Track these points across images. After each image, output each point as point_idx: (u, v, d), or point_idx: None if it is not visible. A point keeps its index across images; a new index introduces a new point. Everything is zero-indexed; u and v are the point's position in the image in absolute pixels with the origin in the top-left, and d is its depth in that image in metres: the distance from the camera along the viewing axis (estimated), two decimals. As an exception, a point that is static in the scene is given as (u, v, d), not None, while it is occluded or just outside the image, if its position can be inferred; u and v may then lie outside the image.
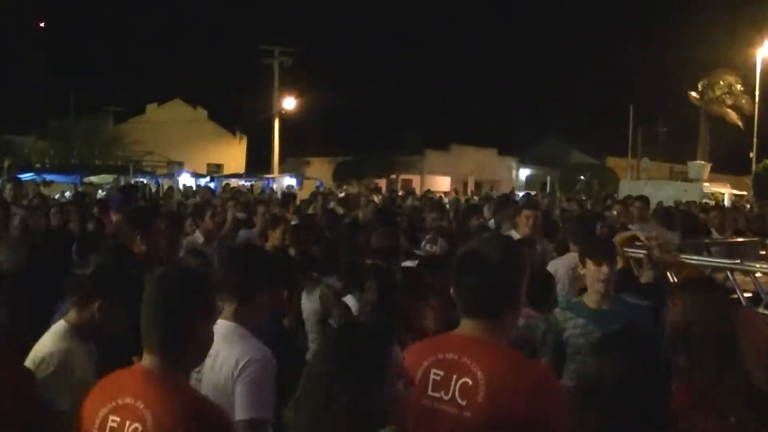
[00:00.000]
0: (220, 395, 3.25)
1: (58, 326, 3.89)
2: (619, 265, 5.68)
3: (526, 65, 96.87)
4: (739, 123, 46.85)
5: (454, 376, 2.77)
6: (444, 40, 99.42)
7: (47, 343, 3.81)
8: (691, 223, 8.90)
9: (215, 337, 3.07)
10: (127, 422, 2.68)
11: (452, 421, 2.74)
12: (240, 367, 3.33)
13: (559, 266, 6.83)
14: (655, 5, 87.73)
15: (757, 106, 43.28)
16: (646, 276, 5.72)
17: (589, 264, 4.90)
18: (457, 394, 2.76)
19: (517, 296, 2.92)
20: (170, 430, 2.63)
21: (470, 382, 2.73)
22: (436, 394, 2.80)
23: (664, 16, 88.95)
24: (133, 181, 31.19)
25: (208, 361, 3.23)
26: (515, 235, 8.05)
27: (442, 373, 2.81)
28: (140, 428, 2.65)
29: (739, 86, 46.87)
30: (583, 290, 5.19)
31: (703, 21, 59.28)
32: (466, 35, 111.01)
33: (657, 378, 2.57)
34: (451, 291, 3.07)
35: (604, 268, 4.83)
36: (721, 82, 47.49)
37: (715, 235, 10.51)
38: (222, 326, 3.39)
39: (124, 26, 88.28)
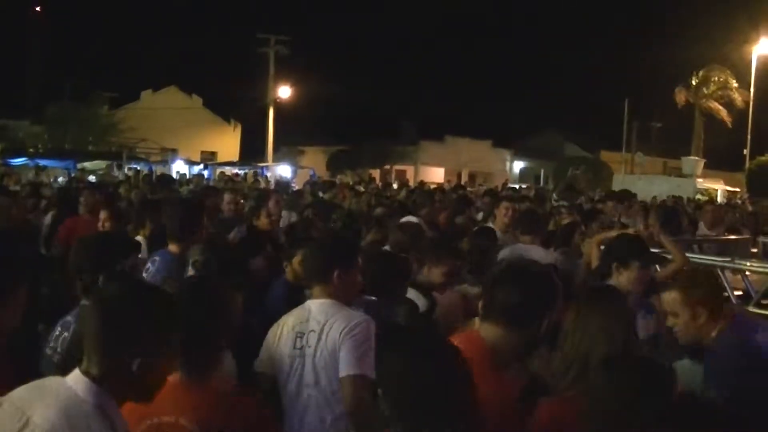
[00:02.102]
0: (330, 359, 3.64)
1: None
2: (595, 263, 5.87)
3: (521, 57, 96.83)
4: (728, 120, 46.90)
5: None
6: (440, 31, 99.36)
7: None
8: (668, 215, 8.95)
9: (319, 311, 3.75)
10: None
11: None
12: (346, 329, 3.66)
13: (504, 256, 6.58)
14: (651, 0, 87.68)
15: (751, 102, 43.35)
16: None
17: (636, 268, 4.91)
18: None
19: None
20: None
21: None
22: None
23: (660, 10, 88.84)
24: (126, 168, 31.19)
25: (314, 333, 3.70)
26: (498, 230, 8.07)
27: None
28: None
29: (733, 82, 46.91)
30: None
31: (699, 17, 59.40)
32: (462, 27, 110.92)
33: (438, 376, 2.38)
34: None
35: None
36: (716, 79, 47.52)
37: (704, 230, 10.55)
38: (322, 303, 3.82)
39: (121, 13, 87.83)
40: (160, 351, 2.35)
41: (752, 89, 43.45)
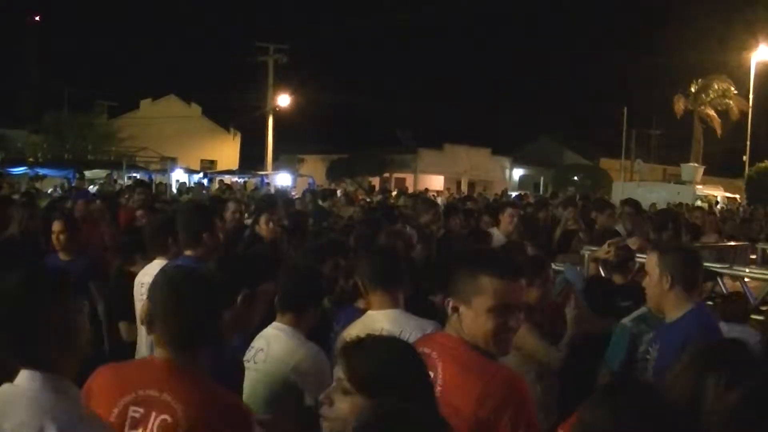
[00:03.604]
0: None
1: None
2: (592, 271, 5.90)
3: (520, 65, 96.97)
4: (724, 129, 46.98)
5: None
6: (438, 39, 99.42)
7: None
8: (664, 221, 8.95)
9: (384, 321, 3.79)
10: (153, 413, 2.69)
11: None
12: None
13: None
14: (650, 8, 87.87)
15: (750, 109, 43.41)
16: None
17: None
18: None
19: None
20: (199, 422, 2.67)
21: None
22: None
23: (659, 18, 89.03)
24: (126, 177, 31.18)
25: None
26: (497, 234, 8.10)
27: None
28: (169, 420, 2.67)
29: (732, 90, 47.00)
30: None
31: (698, 25, 59.34)
32: (461, 35, 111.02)
33: None
34: None
35: None
36: (715, 86, 47.62)
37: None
38: (386, 313, 3.88)
39: (119, 21, 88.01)
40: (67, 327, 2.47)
41: (751, 96, 43.51)
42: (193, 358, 2.84)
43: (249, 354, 3.73)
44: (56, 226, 7.10)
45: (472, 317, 2.90)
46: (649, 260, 4.13)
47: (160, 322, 2.84)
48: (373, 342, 2.57)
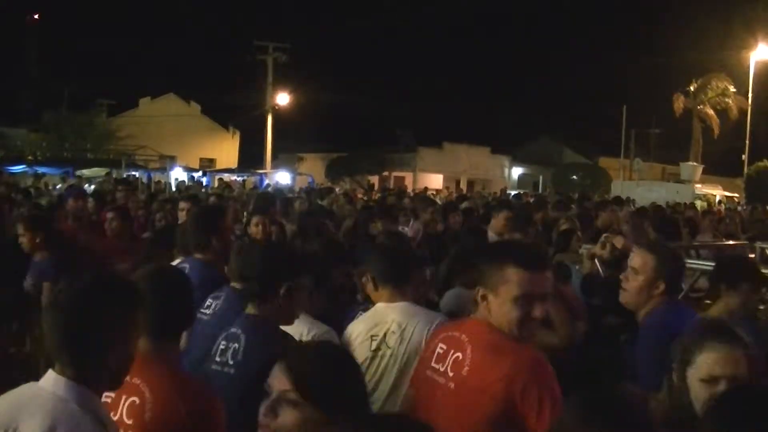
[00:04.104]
0: (412, 361, 3.71)
1: None
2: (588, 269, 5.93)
3: (519, 64, 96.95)
4: (724, 128, 46.99)
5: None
6: (438, 38, 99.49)
7: None
8: (666, 223, 8.97)
9: (394, 313, 3.94)
10: (123, 396, 2.75)
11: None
12: (432, 329, 3.77)
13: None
14: (649, 7, 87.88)
15: (750, 108, 43.42)
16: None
17: None
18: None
19: None
20: (166, 406, 2.72)
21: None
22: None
23: (658, 17, 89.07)
24: (125, 175, 31.17)
25: (394, 335, 3.87)
26: (489, 234, 8.10)
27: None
28: (137, 402, 2.73)
29: (731, 89, 47.01)
30: None
31: (697, 24, 59.43)
32: (460, 33, 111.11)
33: None
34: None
35: None
36: (714, 85, 47.61)
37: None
38: (396, 305, 4.01)
39: (118, 20, 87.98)
40: (128, 339, 2.45)
41: (750, 95, 43.52)
42: (167, 347, 2.96)
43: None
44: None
45: (498, 305, 3.08)
46: (644, 261, 4.14)
47: None
48: (316, 350, 2.60)
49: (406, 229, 9.13)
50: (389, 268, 4.17)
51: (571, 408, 2.31)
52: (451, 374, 3.09)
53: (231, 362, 3.40)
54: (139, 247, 7.63)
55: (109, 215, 8.00)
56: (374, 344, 3.92)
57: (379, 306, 4.08)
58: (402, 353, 3.85)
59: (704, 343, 2.82)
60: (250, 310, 3.52)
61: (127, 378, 2.67)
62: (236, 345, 3.42)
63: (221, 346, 3.49)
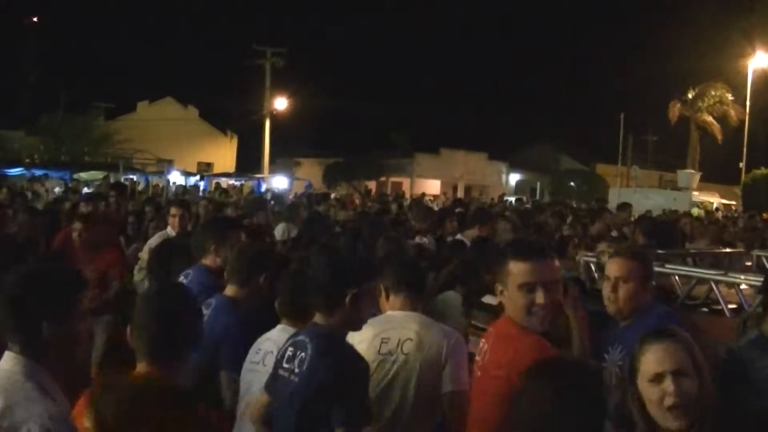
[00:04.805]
0: (430, 371, 3.93)
1: None
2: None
3: (517, 70, 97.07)
4: (721, 136, 47.06)
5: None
6: (435, 43, 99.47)
7: None
8: (664, 232, 8.96)
9: (413, 323, 4.05)
10: None
11: None
12: (449, 345, 3.99)
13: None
14: (647, 14, 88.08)
15: (747, 116, 43.47)
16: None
17: None
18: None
19: None
20: None
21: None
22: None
23: (655, 25, 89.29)
24: (122, 179, 31.14)
25: (411, 342, 3.97)
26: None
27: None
28: None
29: (729, 96, 47.05)
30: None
31: (696, 31, 59.48)
32: (458, 39, 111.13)
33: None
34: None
35: None
36: (712, 92, 47.66)
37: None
38: (414, 315, 4.15)
39: (116, 23, 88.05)
40: (64, 317, 2.68)
41: (748, 103, 43.57)
42: (168, 371, 2.93)
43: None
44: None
45: (508, 297, 3.44)
46: (628, 269, 4.13)
47: (135, 333, 2.95)
48: (121, 388, 2.73)
49: (425, 239, 9.08)
50: (403, 277, 4.27)
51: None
52: (480, 364, 3.52)
53: (297, 371, 3.45)
54: (112, 256, 7.88)
55: (75, 225, 8.03)
56: (384, 347, 3.98)
57: (393, 313, 4.18)
58: (419, 363, 3.93)
59: (644, 346, 2.89)
60: (318, 319, 3.56)
61: None
62: (303, 354, 3.47)
63: (288, 352, 3.56)
